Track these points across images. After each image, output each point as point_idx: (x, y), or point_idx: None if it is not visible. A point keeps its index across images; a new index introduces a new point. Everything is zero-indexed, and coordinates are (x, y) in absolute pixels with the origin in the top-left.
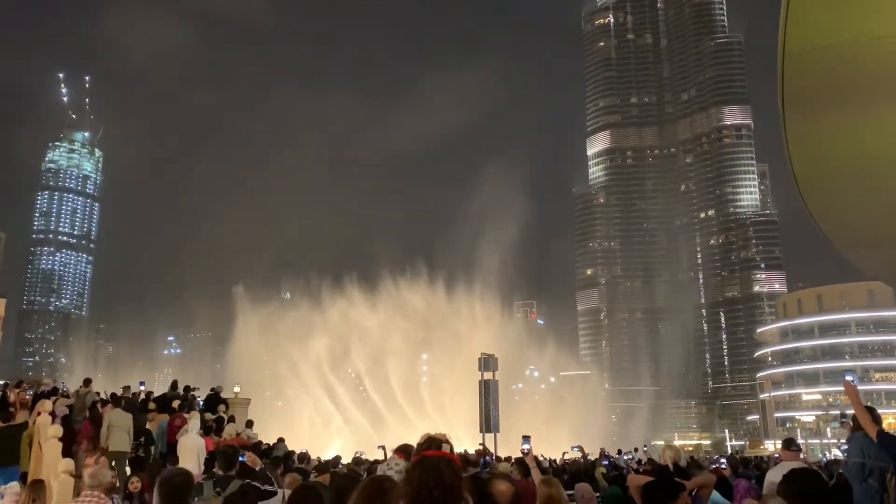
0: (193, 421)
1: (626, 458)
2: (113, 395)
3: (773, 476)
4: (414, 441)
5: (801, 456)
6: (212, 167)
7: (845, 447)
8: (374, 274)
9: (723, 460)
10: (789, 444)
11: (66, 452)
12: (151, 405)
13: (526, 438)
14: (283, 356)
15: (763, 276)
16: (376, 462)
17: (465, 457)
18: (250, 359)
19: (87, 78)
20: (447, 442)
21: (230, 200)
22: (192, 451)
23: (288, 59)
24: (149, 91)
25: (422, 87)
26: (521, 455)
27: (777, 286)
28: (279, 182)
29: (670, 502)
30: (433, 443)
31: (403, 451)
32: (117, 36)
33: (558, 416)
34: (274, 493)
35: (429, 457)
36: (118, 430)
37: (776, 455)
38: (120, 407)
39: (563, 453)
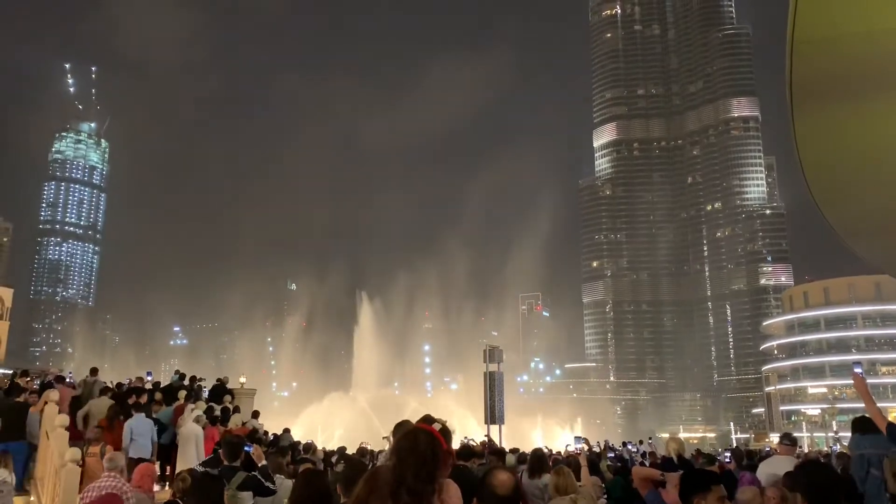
0: (195, 411)
1: (631, 448)
2: (118, 384)
3: (767, 468)
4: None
5: (798, 450)
6: (217, 157)
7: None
8: (376, 263)
9: (727, 454)
10: (784, 438)
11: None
12: (157, 395)
13: (578, 439)
14: (289, 348)
15: (770, 268)
16: (381, 452)
17: (468, 447)
18: (259, 350)
19: (93, 68)
20: (440, 422)
21: (236, 190)
22: (190, 439)
23: (294, 45)
24: (154, 81)
25: (429, 76)
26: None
27: (784, 279)
28: (285, 171)
29: (702, 493)
30: (427, 420)
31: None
32: (122, 24)
33: (563, 408)
34: (273, 492)
35: (413, 428)
36: (94, 419)
37: (766, 448)
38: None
39: (567, 445)
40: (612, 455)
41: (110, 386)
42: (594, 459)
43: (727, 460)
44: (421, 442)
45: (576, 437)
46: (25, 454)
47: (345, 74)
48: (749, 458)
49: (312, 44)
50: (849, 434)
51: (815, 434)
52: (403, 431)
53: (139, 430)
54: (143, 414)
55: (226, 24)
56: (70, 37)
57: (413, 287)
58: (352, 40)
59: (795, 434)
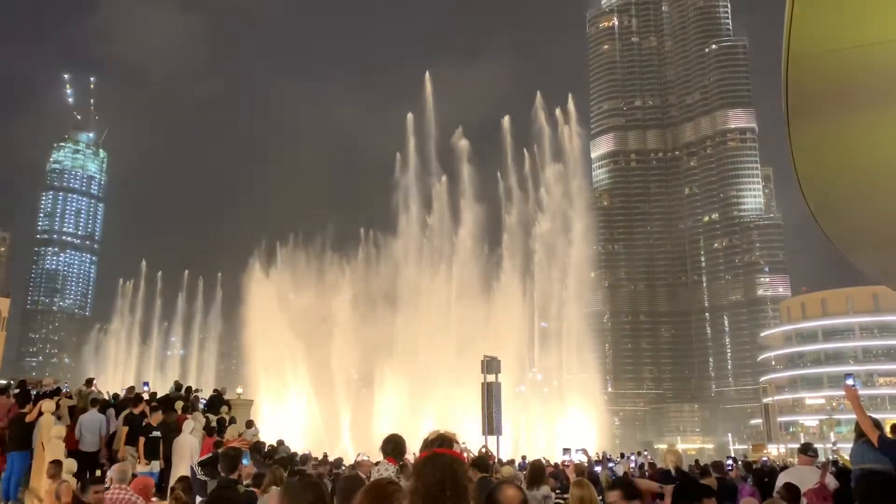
0: (188, 421)
1: (632, 461)
2: (115, 395)
3: (788, 478)
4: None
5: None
6: (215, 165)
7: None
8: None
9: (729, 461)
10: (805, 449)
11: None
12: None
13: (566, 451)
14: (286, 355)
15: (767, 279)
16: (378, 463)
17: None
18: (255, 359)
19: (92, 79)
20: (458, 442)
21: (234, 198)
22: (185, 451)
23: (291, 52)
24: (152, 89)
25: (424, 84)
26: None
27: (781, 290)
28: (283, 178)
29: None
30: (444, 441)
31: (393, 453)
32: (120, 31)
33: (561, 420)
34: None
35: (441, 454)
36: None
37: (763, 459)
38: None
39: (566, 452)
40: (613, 465)
41: (107, 397)
42: (593, 471)
43: (728, 467)
44: (459, 474)
45: (564, 449)
46: (26, 464)
47: (342, 80)
48: (746, 470)
49: (312, 50)
50: (847, 445)
51: (813, 445)
52: (431, 458)
53: (87, 426)
54: (96, 409)
55: (224, 31)
56: (68, 45)
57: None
58: (351, 47)
59: (792, 446)
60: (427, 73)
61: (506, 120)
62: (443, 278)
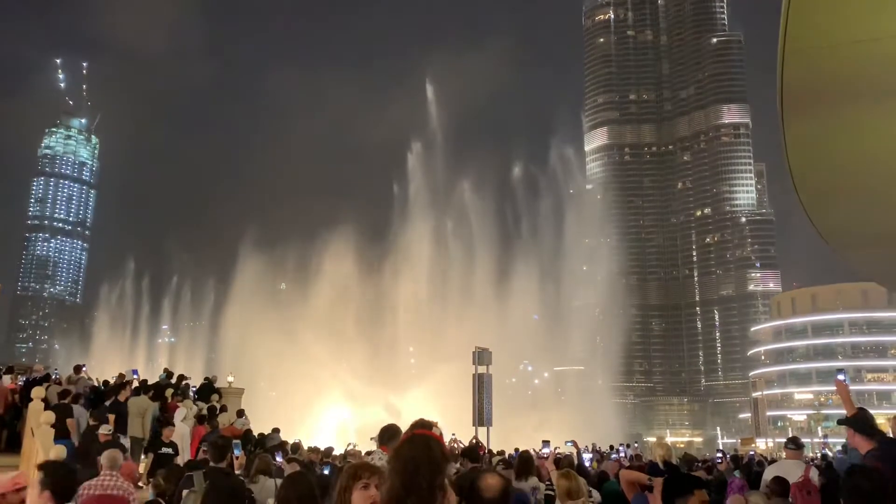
0: (180, 409)
1: (621, 453)
2: (104, 381)
3: (775, 472)
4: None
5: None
6: (208, 152)
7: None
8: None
9: (718, 455)
10: (791, 443)
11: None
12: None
13: (545, 443)
14: (275, 344)
15: (758, 274)
16: (369, 454)
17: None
18: (245, 348)
19: (84, 64)
20: (436, 425)
21: (227, 186)
22: (176, 438)
23: (287, 39)
24: (146, 75)
25: (419, 74)
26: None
27: (772, 285)
28: (277, 165)
29: (684, 497)
30: (424, 425)
31: (388, 442)
32: (113, 12)
33: (551, 411)
34: None
35: (419, 434)
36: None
37: (751, 453)
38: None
39: (555, 448)
40: (616, 456)
41: (96, 384)
42: (582, 463)
43: (718, 460)
44: (434, 451)
45: (543, 441)
46: None
47: (338, 69)
48: (734, 464)
49: (306, 37)
50: (836, 440)
51: (801, 439)
52: (409, 438)
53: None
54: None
55: (220, 14)
56: (60, 28)
57: (398, 285)
58: (349, 35)
59: (780, 440)
60: (427, 79)
61: (516, 170)
62: (439, 274)
